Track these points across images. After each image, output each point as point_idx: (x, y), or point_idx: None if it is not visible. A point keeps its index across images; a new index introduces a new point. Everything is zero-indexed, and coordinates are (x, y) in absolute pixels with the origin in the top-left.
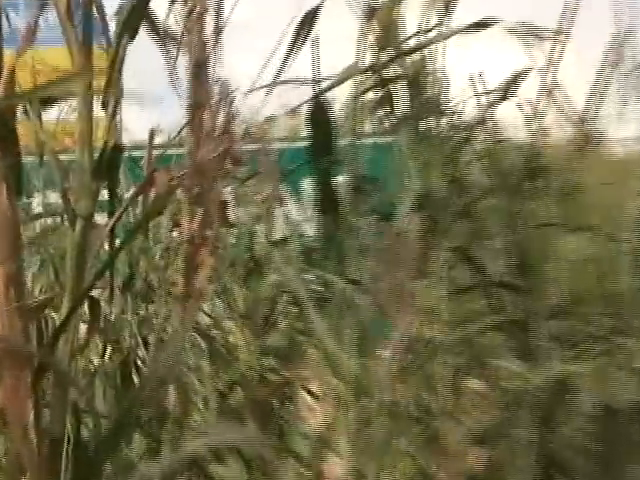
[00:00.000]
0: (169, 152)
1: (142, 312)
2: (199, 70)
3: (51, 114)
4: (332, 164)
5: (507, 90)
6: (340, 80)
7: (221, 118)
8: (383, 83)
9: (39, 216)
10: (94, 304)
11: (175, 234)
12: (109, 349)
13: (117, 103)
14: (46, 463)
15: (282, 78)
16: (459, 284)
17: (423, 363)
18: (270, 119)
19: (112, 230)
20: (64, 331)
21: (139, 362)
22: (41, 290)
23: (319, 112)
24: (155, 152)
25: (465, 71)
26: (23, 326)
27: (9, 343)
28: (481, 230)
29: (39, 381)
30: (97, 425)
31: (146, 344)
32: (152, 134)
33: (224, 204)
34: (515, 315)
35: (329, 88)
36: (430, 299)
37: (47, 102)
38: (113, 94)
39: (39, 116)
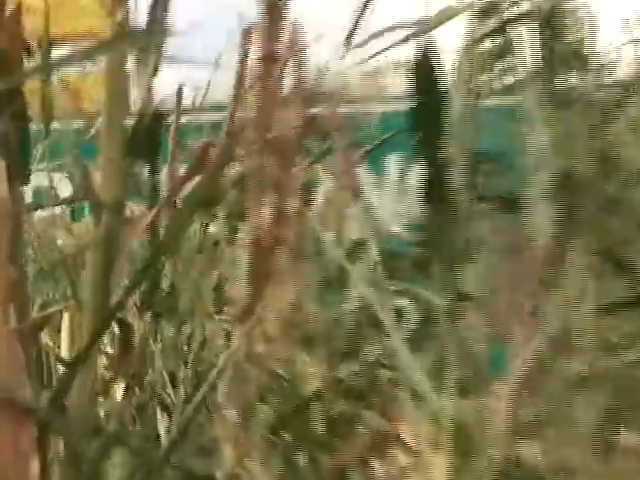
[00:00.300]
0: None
1: (169, 337)
2: (274, 10)
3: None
4: (442, 135)
5: None
6: (441, 20)
7: (298, 74)
8: (506, 26)
9: (39, 206)
10: (126, 329)
11: (212, 229)
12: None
13: (159, 58)
14: None
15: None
16: (608, 298)
17: (557, 406)
18: (375, 73)
19: (153, 225)
20: (81, 367)
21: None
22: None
23: (426, 64)
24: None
25: (618, 11)
26: (27, 357)
27: (6, 389)
28: None
29: (47, 436)
30: None
31: (174, 380)
32: (180, 94)
33: (307, 190)
34: None
35: (424, 30)
36: (570, 318)
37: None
38: (155, 47)
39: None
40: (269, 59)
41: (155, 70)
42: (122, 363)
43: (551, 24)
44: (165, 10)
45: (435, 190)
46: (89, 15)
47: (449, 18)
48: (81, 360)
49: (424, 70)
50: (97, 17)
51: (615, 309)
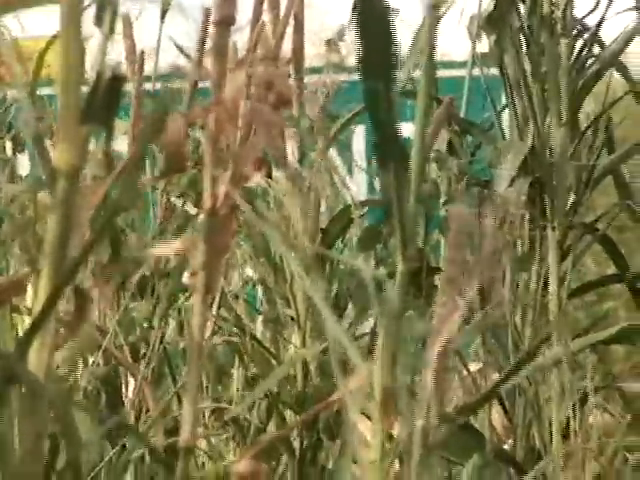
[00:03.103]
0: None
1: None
2: None
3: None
4: (392, 91)
5: None
6: None
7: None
8: None
9: None
10: (81, 294)
11: (176, 203)
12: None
13: (115, 13)
14: None
15: None
16: (589, 277)
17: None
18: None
19: (106, 194)
20: (39, 329)
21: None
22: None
23: (372, 16)
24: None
25: None
26: None
27: None
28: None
29: (4, 399)
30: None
31: (135, 353)
32: (142, 58)
33: (262, 162)
34: None
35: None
36: (545, 297)
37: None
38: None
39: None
40: (224, 24)
41: (112, 29)
42: (73, 330)
43: None
44: None
45: (389, 150)
46: None
47: None
48: (39, 322)
49: (372, 20)
50: None
51: (586, 289)
